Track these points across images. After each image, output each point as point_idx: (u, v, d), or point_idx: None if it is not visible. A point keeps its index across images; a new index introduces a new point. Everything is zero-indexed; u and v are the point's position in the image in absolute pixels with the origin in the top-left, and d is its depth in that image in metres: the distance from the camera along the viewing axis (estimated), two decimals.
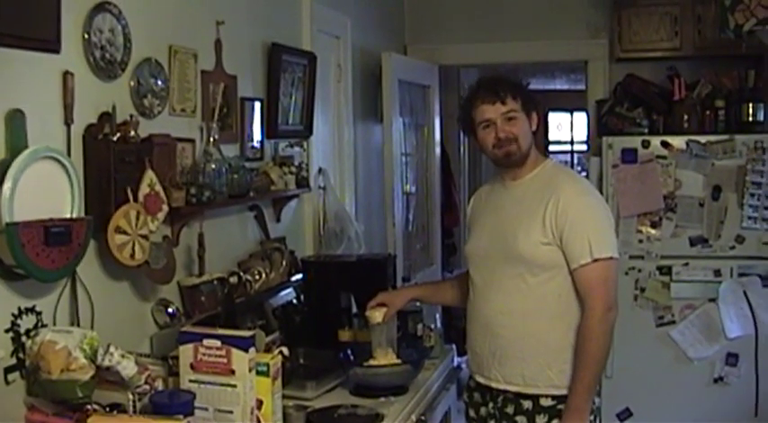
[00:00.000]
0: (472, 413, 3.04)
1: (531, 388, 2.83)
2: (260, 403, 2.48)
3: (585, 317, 2.75)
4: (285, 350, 2.77)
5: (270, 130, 3.87)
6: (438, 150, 6.49)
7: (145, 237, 2.70)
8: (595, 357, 2.75)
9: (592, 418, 2.82)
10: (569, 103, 10.38)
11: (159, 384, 2.52)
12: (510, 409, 2.86)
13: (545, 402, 2.81)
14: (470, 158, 8.90)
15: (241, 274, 3.40)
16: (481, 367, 2.95)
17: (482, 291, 2.94)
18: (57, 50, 2.46)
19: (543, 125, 10.12)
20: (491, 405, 2.94)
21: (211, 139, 3.23)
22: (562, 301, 2.81)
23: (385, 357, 3.10)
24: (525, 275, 2.82)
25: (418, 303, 3.58)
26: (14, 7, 2.27)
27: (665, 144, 5.15)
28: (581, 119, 10.46)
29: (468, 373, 3.11)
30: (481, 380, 2.96)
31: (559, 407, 2.80)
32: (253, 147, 3.75)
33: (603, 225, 2.85)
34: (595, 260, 2.74)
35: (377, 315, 3.13)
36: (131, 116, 2.76)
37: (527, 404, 2.83)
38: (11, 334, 2.31)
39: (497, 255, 2.89)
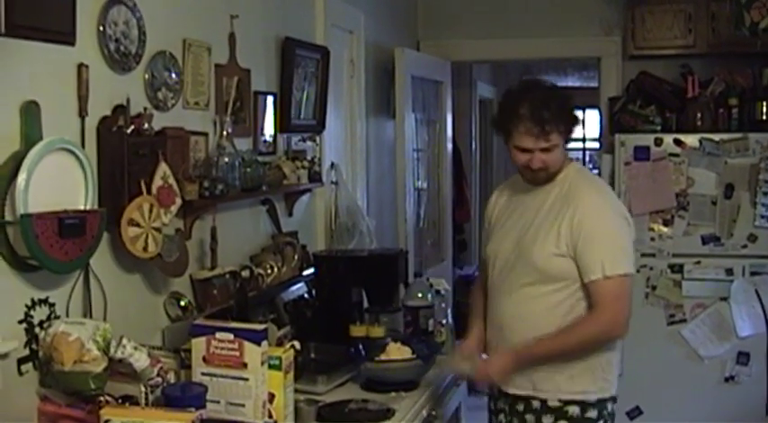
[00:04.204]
0: (491, 405, 3.09)
1: (539, 393, 2.86)
2: (272, 397, 2.48)
3: (590, 317, 2.77)
4: (297, 344, 2.77)
5: (283, 124, 3.87)
6: (450, 146, 6.49)
7: (158, 229, 2.71)
8: (568, 348, 2.79)
9: None
10: (582, 100, 10.22)
11: (171, 377, 2.52)
12: (520, 407, 2.91)
13: (552, 404, 2.84)
14: (482, 154, 8.89)
15: (253, 267, 3.41)
16: None
17: (498, 294, 2.95)
18: (72, 43, 2.46)
19: None
20: (503, 400, 2.98)
21: (225, 133, 3.23)
22: (573, 310, 2.81)
23: (397, 352, 3.10)
24: (538, 284, 2.83)
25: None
26: None
27: (677, 142, 5.14)
28: (593, 116, 10.40)
29: None
30: None
31: (566, 408, 2.83)
32: (265, 141, 3.74)
33: (619, 241, 2.82)
34: (607, 277, 2.73)
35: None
36: (145, 109, 2.76)
37: (536, 404, 2.87)
38: (24, 325, 2.31)
39: (514, 261, 2.89)
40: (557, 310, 2.82)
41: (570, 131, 2.87)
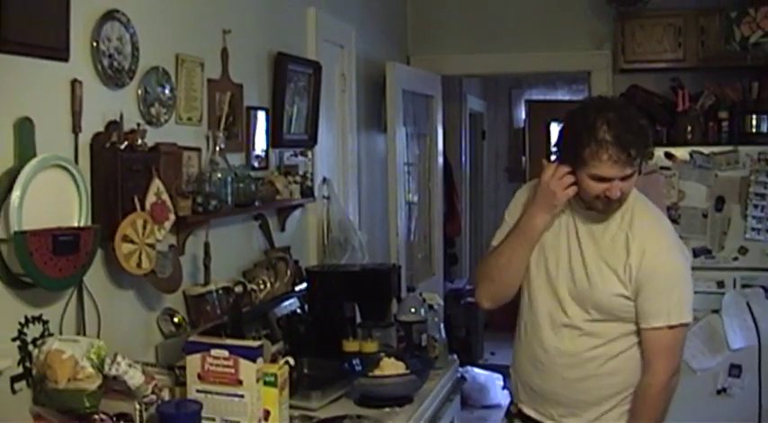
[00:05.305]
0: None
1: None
2: (267, 414, 2.48)
3: (648, 383, 2.61)
4: (291, 360, 2.76)
5: (275, 139, 3.87)
6: (440, 160, 6.50)
7: (151, 246, 2.69)
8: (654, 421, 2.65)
9: None
10: None
11: (166, 394, 2.51)
12: None
13: None
14: (472, 168, 8.91)
15: (246, 283, 3.40)
16: (534, 402, 2.83)
17: (542, 325, 2.75)
18: (65, 58, 2.46)
19: (546, 136, 10.11)
20: None
21: (217, 148, 3.23)
22: (629, 347, 2.67)
23: (390, 367, 3.09)
24: (595, 323, 2.66)
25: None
26: (23, 15, 2.26)
27: (668, 155, 5.16)
28: None
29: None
30: (531, 413, 2.84)
31: None
32: (258, 156, 3.74)
33: (686, 288, 2.63)
34: (671, 326, 2.57)
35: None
36: (138, 125, 2.75)
37: None
38: (18, 343, 2.30)
39: (569, 293, 2.69)
40: (612, 347, 2.66)
41: (648, 156, 2.62)
